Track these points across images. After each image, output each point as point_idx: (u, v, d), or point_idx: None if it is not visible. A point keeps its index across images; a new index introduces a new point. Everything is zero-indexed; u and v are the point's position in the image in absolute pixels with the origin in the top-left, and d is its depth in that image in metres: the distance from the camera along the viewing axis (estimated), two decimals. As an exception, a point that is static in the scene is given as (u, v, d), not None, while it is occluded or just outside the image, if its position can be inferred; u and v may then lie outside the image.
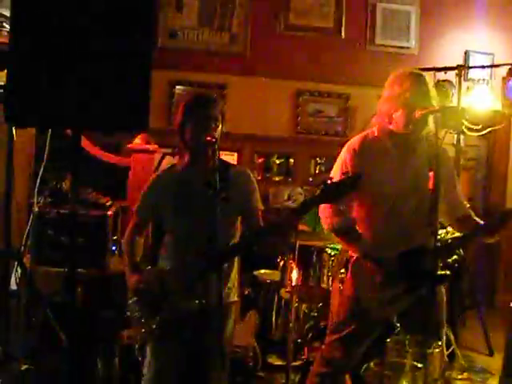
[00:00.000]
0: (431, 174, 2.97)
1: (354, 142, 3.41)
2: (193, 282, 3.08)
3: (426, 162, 3.15)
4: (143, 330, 3.18)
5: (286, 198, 6.82)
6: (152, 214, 3.43)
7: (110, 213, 4.60)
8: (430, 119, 3.18)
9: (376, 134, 3.38)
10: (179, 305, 3.13)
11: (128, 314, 3.26)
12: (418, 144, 3.34)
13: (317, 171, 7.24)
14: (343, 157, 3.39)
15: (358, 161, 3.33)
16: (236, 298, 3.43)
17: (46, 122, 2.38)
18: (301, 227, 4.90)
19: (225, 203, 2.96)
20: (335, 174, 3.32)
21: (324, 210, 3.38)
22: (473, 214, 3.45)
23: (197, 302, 3.01)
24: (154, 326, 3.14)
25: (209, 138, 3.02)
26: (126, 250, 3.41)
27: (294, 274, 4.63)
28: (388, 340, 1.81)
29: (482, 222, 3.33)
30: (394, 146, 3.33)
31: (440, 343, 1.88)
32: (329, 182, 2.88)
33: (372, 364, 1.60)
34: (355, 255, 3.43)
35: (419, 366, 1.62)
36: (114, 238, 4.78)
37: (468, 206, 3.49)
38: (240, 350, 4.69)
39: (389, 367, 1.63)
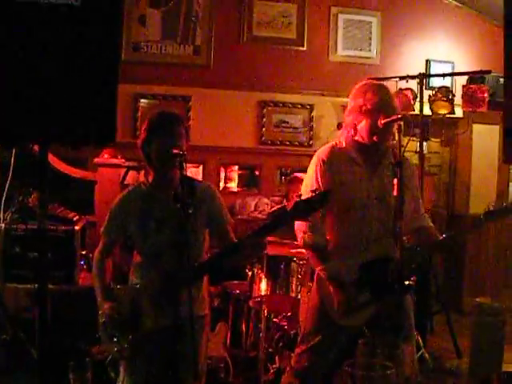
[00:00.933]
0: (395, 181, 3.02)
1: (323, 151, 3.43)
2: (164, 299, 3.06)
3: (391, 171, 3.19)
4: (115, 349, 3.13)
5: (252, 208, 6.81)
6: (120, 234, 3.35)
7: (77, 228, 4.58)
8: (394, 128, 3.23)
9: (344, 145, 3.42)
10: (151, 323, 3.12)
11: (100, 333, 3.20)
12: (384, 153, 3.39)
13: (282, 181, 7.28)
14: (313, 168, 3.41)
15: (327, 171, 3.35)
16: (207, 311, 3.40)
17: (10, 138, 2.35)
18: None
19: (193, 218, 2.96)
20: (306, 186, 3.35)
21: (301, 223, 3.36)
22: (433, 226, 3.52)
23: (169, 319, 2.99)
24: (127, 345, 3.10)
25: (176, 151, 2.99)
26: (96, 273, 3.31)
27: (263, 284, 4.65)
28: (359, 341, 1.84)
29: (440, 237, 3.39)
30: (361, 157, 3.37)
31: (409, 346, 1.91)
32: (298, 199, 2.89)
33: (344, 365, 1.62)
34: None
35: (390, 365, 1.65)
36: (83, 252, 4.76)
37: (427, 217, 3.56)
38: (211, 361, 4.69)
39: (360, 367, 1.66)
